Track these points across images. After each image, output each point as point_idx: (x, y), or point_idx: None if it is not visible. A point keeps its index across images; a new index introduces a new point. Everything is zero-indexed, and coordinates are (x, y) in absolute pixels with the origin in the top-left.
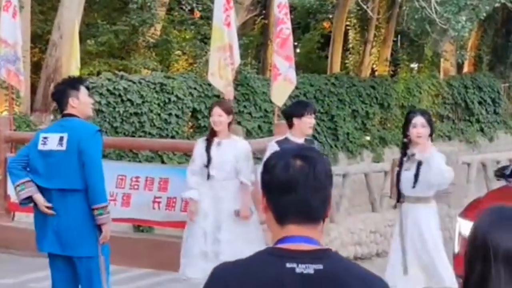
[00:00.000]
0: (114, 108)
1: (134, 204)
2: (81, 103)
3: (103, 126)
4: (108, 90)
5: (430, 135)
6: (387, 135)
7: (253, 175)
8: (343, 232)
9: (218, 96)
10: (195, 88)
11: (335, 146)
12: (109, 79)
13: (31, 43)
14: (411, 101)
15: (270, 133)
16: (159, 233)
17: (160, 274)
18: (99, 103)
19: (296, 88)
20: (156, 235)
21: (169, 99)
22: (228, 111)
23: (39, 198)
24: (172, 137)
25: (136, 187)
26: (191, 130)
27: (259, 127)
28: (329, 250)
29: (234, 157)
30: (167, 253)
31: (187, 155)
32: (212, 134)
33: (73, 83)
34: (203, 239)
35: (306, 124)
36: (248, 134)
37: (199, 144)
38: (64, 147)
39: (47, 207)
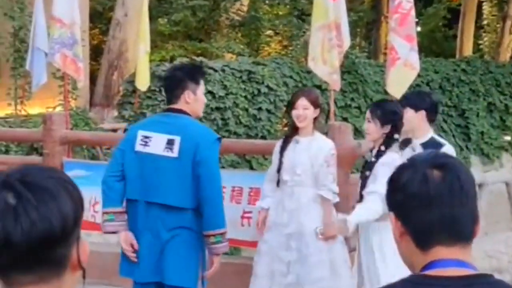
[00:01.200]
0: None
1: None
2: (197, 100)
3: None
4: None
5: None
6: None
7: (335, 185)
8: (478, 256)
9: (319, 87)
10: (290, 77)
11: (467, 148)
12: None
13: (90, 23)
14: None
15: None
16: (246, 255)
17: None
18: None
19: (418, 75)
20: (245, 258)
21: (259, 90)
22: (315, 103)
23: (127, 237)
24: (263, 137)
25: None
26: (286, 128)
27: None
28: (489, 276)
29: (309, 159)
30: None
31: None
32: (293, 131)
33: (193, 73)
34: (270, 259)
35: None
36: (357, 134)
37: (278, 144)
38: (175, 153)
39: (133, 251)
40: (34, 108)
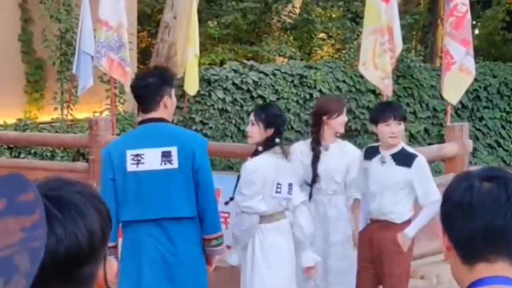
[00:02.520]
0: (242, 106)
1: None
2: (173, 104)
3: (228, 129)
4: (234, 84)
5: None
6: None
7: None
8: None
9: (373, 91)
10: (343, 81)
11: None
12: (235, 70)
13: (138, 25)
14: None
15: (440, 138)
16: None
17: None
18: (223, 100)
19: (475, 80)
20: None
21: (311, 95)
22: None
23: (113, 266)
24: None
25: None
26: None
27: (426, 130)
28: None
29: (345, 165)
30: None
31: None
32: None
33: (166, 76)
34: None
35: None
36: (412, 140)
37: (297, 156)
38: (175, 165)
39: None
40: (80, 113)
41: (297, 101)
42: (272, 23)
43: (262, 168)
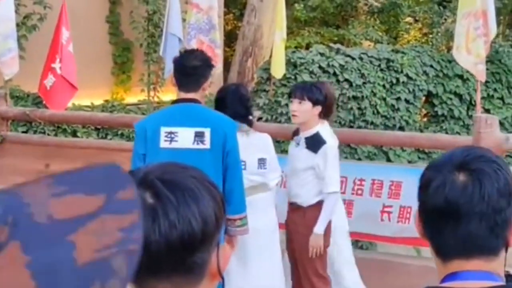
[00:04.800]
0: None
1: (357, 214)
2: (206, 89)
3: None
4: (320, 67)
5: None
6: None
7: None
8: None
9: (461, 77)
10: (431, 66)
11: None
12: (321, 54)
13: (224, 8)
14: None
15: None
16: (382, 251)
17: None
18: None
19: None
20: (380, 254)
21: (398, 79)
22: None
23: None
24: (401, 127)
25: (360, 192)
26: (425, 119)
27: None
28: None
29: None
30: (394, 278)
31: (420, 151)
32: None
33: (209, 60)
34: None
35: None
36: (500, 126)
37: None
38: (207, 145)
39: None
40: (167, 95)
41: (383, 85)
42: (359, 6)
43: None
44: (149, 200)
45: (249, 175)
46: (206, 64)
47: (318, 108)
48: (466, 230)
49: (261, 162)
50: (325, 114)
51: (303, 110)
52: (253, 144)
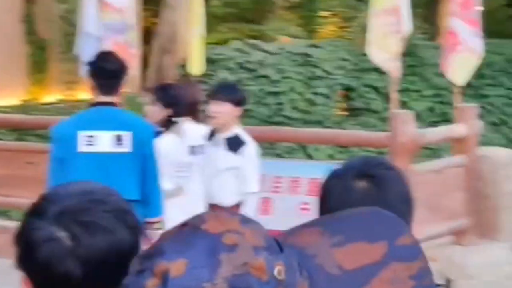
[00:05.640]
0: (246, 86)
1: (276, 212)
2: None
3: None
4: (238, 63)
5: None
6: None
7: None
8: None
9: (377, 70)
10: (347, 60)
11: None
12: (239, 50)
13: (140, 5)
14: None
15: (443, 116)
16: None
17: None
18: (227, 80)
19: None
20: None
21: (315, 74)
22: None
23: None
24: (319, 122)
25: (278, 190)
26: (343, 113)
27: (431, 109)
28: None
29: None
30: None
31: (339, 146)
32: None
33: (124, 62)
34: None
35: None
36: (417, 118)
37: None
38: (126, 148)
39: None
40: (84, 94)
41: (300, 80)
42: (276, 1)
43: (166, 148)
44: (67, 242)
45: (180, 178)
46: (124, 67)
47: (239, 110)
48: None
49: (188, 165)
50: (240, 116)
51: (223, 112)
52: (183, 147)
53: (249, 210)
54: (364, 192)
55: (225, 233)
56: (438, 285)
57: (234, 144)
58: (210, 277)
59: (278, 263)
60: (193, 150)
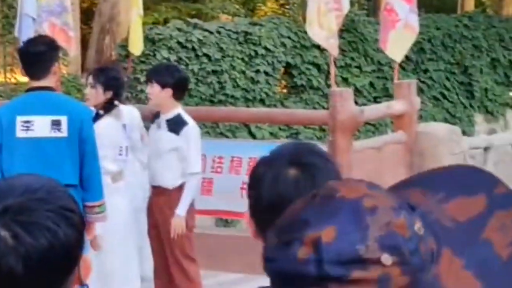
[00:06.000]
0: (187, 65)
1: (217, 192)
2: (57, 72)
3: None
4: (178, 43)
5: None
6: None
7: None
8: None
9: (318, 47)
10: (288, 37)
11: (470, 106)
12: (179, 29)
13: None
14: None
15: (385, 92)
16: (245, 228)
17: (252, 279)
18: (168, 59)
19: (419, 32)
20: (242, 231)
21: (256, 52)
22: None
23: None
24: (261, 100)
25: (219, 170)
26: (285, 90)
27: (371, 84)
28: None
29: None
30: (256, 256)
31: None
32: None
33: (54, 44)
34: None
35: None
36: (358, 94)
37: None
38: (64, 133)
39: None
40: (24, 77)
41: (242, 59)
42: None
43: (107, 131)
44: (9, 241)
45: (121, 162)
46: (51, 48)
47: (168, 91)
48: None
49: (127, 149)
50: (178, 98)
51: (153, 94)
52: (123, 131)
53: (190, 190)
54: (295, 181)
55: (363, 198)
56: None
57: (175, 125)
58: (362, 239)
59: (416, 220)
60: (129, 130)
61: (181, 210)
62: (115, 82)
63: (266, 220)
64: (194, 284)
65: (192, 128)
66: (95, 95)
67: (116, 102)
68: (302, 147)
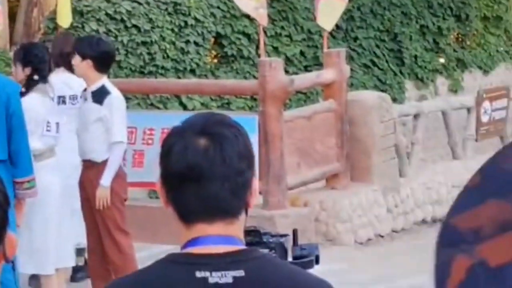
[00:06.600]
0: (116, 37)
1: (149, 164)
2: None
3: None
4: (107, 14)
5: None
6: (466, 56)
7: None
8: (417, 188)
9: (248, 17)
10: (218, 7)
11: (400, 73)
12: (107, 1)
13: None
14: (495, 11)
15: (316, 60)
16: None
17: None
18: (97, 31)
19: (348, 0)
20: None
21: (186, 22)
22: None
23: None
24: (192, 70)
25: (150, 142)
26: (215, 60)
27: (302, 53)
28: (253, 251)
29: None
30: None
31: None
32: None
33: None
34: None
35: None
36: (289, 63)
37: None
38: None
39: None
40: None
41: (171, 29)
42: None
43: (31, 107)
44: None
45: (51, 138)
46: None
47: (88, 62)
48: (208, 193)
49: (57, 126)
50: (100, 70)
51: (75, 64)
52: (52, 107)
53: (114, 160)
54: (203, 150)
55: None
56: (284, 235)
57: (99, 95)
58: None
59: None
60: (64, 100)
61: (105, 180)
62: (33, 59)
63: (175, 188)
64: (127, 256)
65: (115, 97)
66: (15, 73)
67: (36, 77)
68: (213, 118)
